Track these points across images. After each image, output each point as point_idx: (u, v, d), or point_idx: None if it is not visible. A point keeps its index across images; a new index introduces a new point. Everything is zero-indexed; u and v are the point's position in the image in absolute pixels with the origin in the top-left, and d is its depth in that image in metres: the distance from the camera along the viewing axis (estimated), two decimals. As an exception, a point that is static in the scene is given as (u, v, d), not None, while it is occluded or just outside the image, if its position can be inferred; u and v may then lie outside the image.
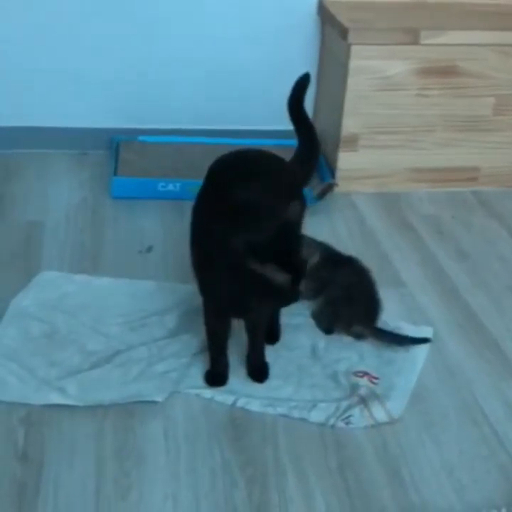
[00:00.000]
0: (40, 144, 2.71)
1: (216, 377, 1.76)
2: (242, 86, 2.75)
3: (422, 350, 1.87)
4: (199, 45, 2.67)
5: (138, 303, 1.98)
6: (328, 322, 1.90)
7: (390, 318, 1.93)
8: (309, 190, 2.38)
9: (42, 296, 1.98)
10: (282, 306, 1.71)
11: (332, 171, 2.60)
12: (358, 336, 1.89)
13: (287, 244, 1.47)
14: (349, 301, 1.85)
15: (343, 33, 2.43)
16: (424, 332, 1.92)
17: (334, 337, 1.90)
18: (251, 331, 1.76)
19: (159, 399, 1.68)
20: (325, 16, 2.62)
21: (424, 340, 1.89)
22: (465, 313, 2.04)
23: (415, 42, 2.44)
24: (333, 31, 2.56)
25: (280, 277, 1.44)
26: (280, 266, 1.44)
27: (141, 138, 2.73)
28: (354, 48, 2.42)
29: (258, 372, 1.77)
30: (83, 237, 2.28)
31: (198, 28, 2.65)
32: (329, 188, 2.54)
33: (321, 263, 1.78)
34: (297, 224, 1.61)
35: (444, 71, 2.50)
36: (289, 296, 1.52)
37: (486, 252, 2.33)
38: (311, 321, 1.93)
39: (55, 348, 1.82)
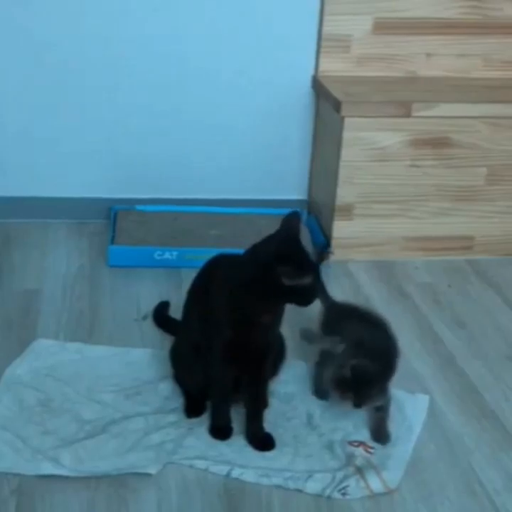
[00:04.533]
0: (39, 213, 2.74)
1: (222, 430, 1.77)
2: (239, 156, 2.80)
3: (418, 419, 1.85)
4: (196, 115, 2.73)
5: (132, 371, 1.98)
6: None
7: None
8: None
9: (36, 365, 1.97)
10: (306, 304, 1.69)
11: (327, 239, 2.63)
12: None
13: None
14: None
15: (337, 105, 2.48)
16: (420, 400, 1.91)
17: (329, 405, 1.89)
18: (253, 389, 1.76)
19: (153, 471, 1.65)
20: (319, 89, 2.69)
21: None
22: (462, 382, 2.03)
23: (407, 114, 2.49)
24: (327, 104, 2.62)
25: (306, 279, 1.59)
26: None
27: (139, 207, 2.76)
28: (347, 121, 2.48)
29: (264, 441, 1.76)
30: (80, 305, 2.28)
31: (195, 98, 2.71)
32: (325, 256, 2.56)
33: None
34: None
35: (437, 142, 2.54)
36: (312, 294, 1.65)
37: (482, 320, 2.33)
38: (306, 389, 1.93)
39: (50, 416, 1.80)
